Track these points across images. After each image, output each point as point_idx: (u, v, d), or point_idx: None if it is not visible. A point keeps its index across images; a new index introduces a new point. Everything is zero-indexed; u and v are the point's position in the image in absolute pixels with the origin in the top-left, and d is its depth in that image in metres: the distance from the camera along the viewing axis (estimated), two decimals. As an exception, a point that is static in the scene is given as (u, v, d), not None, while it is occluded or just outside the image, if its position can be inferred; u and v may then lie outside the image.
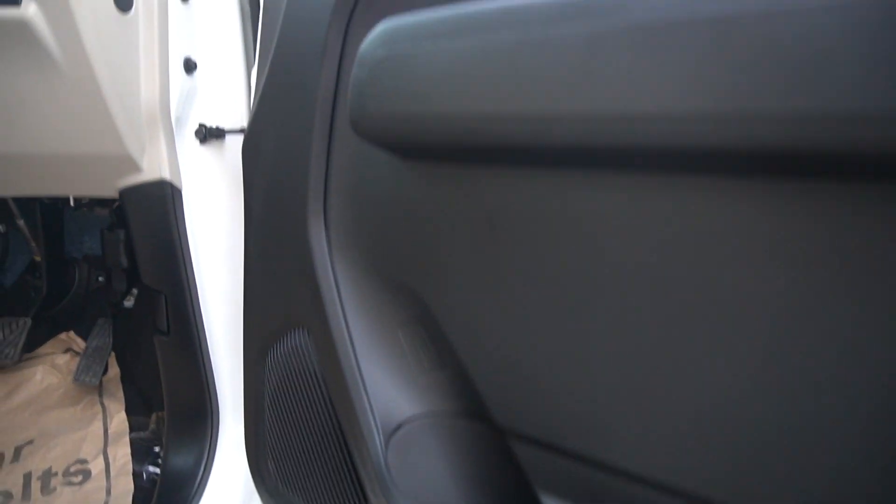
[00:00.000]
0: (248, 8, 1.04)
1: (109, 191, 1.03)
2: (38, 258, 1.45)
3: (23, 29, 0.81)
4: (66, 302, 1.49)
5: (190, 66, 0.98)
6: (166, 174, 0.99)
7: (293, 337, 0.76)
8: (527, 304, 0.56)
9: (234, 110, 1.06)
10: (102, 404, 1.29)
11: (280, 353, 0.78)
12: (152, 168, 0.99)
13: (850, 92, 0.35)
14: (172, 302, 1.05)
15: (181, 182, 1.01)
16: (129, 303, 1.41)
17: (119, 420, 1.25)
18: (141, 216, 1.03)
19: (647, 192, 0.47)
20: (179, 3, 0.95)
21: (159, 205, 1.01)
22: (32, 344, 1.37)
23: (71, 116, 0.92)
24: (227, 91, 1.05)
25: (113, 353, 1.38)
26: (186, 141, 1.02)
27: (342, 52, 0.74)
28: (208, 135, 1.02)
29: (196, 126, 1.02)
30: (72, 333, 1.42)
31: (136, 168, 0.98)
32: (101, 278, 1.48)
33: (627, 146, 0.45)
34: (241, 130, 1.04)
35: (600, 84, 0.44)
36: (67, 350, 1.40)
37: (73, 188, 1.11)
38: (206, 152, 1.04)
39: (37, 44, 0.83)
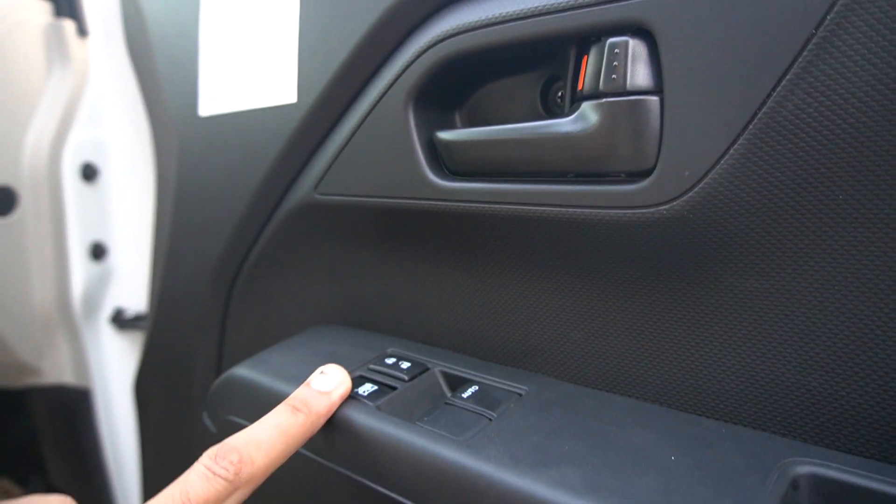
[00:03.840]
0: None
1: (11, 384, 0.88)
2: None
3: None
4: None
5: (99, 252, 0.82)
6: (69, 378, 0.83)
7: None
8: None
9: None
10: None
11: None
12: (53, 371, 0.83)
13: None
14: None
15: (91, 381, 0.85)
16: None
17: None
18: (45, 417, 0.88)
19: None
20: (81, 184, 0.79)
21: (63, 409, 0.85)
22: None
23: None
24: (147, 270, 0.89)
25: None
26: (101, 330, 0.86)
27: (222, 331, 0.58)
28: (126, 323, 0.86)
29: (112, 312, 0.86)
30: (6, 482, 1.27)
31: (33, 372, 0.82)
32: None
33: None
34: None
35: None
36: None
37: None
38: (124, 342, 0.88)
39: None
